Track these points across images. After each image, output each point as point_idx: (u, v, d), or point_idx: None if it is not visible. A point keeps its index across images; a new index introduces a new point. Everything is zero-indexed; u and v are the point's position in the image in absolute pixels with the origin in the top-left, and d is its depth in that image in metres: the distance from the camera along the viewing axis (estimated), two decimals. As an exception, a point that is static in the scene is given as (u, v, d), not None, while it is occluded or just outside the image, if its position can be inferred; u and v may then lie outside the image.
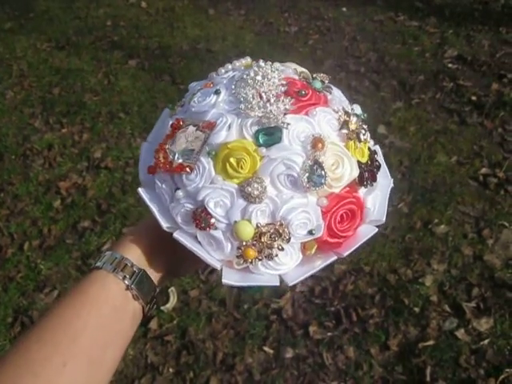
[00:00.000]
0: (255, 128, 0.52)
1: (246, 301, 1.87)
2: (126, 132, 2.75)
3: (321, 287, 1.88)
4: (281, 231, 0.53)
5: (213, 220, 0.53)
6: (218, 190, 0.52)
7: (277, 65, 0.58)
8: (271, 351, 1.73)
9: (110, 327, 0.54)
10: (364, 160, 0.58)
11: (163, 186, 0.56)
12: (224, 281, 0.53)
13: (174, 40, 3.56)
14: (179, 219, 0.55)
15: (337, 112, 0.57)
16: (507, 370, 1.60)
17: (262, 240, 0.53)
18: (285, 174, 0.52)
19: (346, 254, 0.56)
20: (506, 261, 1.90)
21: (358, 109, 0.62)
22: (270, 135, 0.52)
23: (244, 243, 0.53)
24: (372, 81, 2.92)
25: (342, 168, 0.54)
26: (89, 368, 0.51)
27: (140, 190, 0.57)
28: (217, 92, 0.55)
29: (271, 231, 0.53)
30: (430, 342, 1.69)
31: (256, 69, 0.56)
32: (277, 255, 0.54)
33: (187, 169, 0.52)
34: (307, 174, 0.51)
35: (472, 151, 2.38)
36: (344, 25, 3.50)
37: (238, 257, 0.54)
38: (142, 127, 2.76)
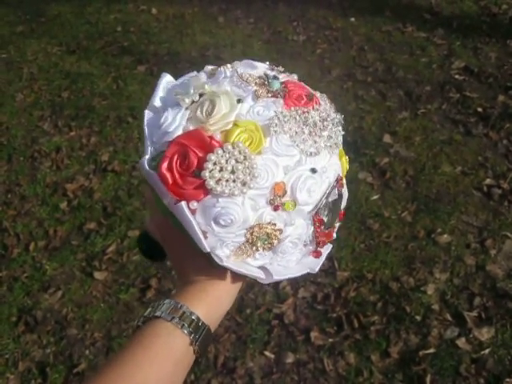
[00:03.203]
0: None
1: (248, 305, 1.88)
2: (133, 136, 2.78)
3: (323, 293, 1.89)
4: None
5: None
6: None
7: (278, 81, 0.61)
8: (272, 356, 1.74)
9: (169, 380, 0.54)
10: None
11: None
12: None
13: (183, 47, 3.59)
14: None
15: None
16: (507, 379, 1.60)
17: None
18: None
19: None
20: (509, 271, 1.91)
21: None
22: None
23: None
24: (379, 90, 2.93)
25: None
26: None
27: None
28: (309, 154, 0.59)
29: None
30: (431, 350, 1.69)
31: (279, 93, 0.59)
32: None
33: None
34: None
35: (477, 162, 2.39)
36: (352, 35, 3.52)
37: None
38: (150, 132, 2.78)
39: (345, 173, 0.63)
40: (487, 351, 1.68)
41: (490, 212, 2.14)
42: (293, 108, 0.57)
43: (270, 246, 0.58)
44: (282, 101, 0.57)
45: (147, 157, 0.59)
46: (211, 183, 0.53)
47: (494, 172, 2.32)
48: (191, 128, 0.56)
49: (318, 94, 0.64)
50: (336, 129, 0.60)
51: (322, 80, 3.01)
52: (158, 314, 0.56)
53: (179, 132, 0.56)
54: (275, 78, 0.60)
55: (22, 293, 2.03)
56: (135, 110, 2.98)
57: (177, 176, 0.55)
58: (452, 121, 2.66)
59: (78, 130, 2.87)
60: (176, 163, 0.55)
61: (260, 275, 0.59)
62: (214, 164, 0.53)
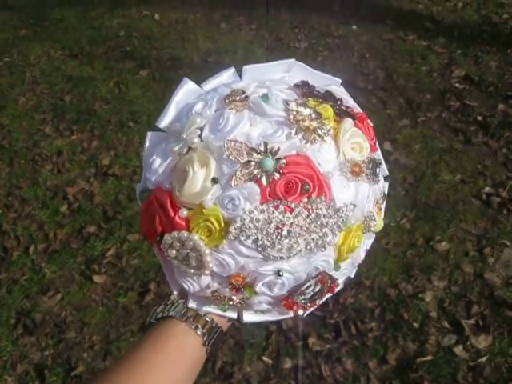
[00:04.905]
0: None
1: (246, 310, 1.88)
2: (134, 141, 2.79)
3: (321, 299, 1.89)
4: None
5: None
6: None
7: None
8: (270, 361, 1.74)
9: (181, 378, 0.55)
10: None
11: None
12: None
13: (186, 52, 3.61)
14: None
15: None
16: (504, 387, 1.61)
17: None
18: None
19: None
20: (507, 279, 1.91)
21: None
22: None
23: None
24: (379, 98, 2.94)
25: None
26: None
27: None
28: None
29: None
30: (428, 358, 1.69)
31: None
32: None
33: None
34: None
35: (476, 170, 2.40)
36: (353, 42, 3.54)
37: None
38: (151, 136, 2.79)
39: (348, 254, 0.57)
40: (484, 359, 1.68)
41: (488, 220, 2.14)
42: (270, 206, 0.50)
43: (234, 307, 0.58)
44: (258, 195, 0.50)
45: (139, 185, 0.62)
46: (169, 257, 0.54)
47: (493, 180, 2.33)
48: (167, 186, 0.55)
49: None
50: (329, 229, 0.52)
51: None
52: (171, 313, 0.57)
53: (157, 183, 0.57)
54: (271, 153, 0.51)
55: (21, 295, 2.03)
56: (137, 114, 2.99)
57: (147, 227, 0.58)
58: (452, 129, 2.67)
59: (80, 134, 2.88)
60: (148, 216, 0.57)
61: (231, 315, 0.59)
62: (171, 245, 0.53)
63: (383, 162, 0.64)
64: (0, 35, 4.06)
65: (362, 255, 0.61)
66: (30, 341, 1.87)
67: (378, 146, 0.64)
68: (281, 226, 0.50)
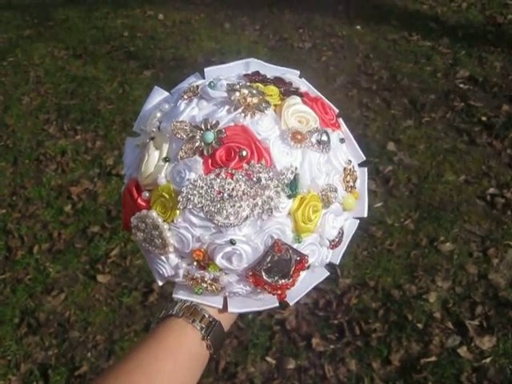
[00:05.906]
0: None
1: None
2: (138, 141, 2.79)
3: (325, 300, 1.89)
4: None
5: None
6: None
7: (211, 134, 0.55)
8: (273, 361, 1.74)
9: (184, 372, 0.57)
10: None
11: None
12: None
13: (190, 52, 3.61)
14: None
15: None
16: (508, 389, 1.60)
17: None
18: None
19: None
20: (511, 280, 1.90)
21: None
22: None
23: None
24: (383, 98, 2.94)
25: None
26: None
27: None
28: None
29: None
30: (432, 359, 1.69)
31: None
32: None
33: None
34: None
35: (480, 171, 2.39)
36: (357, 42, 3.54)
37: None
38: (155, 136, 2.79)
39: (307, 224, 0.56)
40: (488, 360, 1.68)
41: (492, 221, 2.14)
42: (212, 174, 0.53)
43: (211, 291, 0.59)
44: (201, 165, 0.54)
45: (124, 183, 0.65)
46: (139, 241, 0.59)
47: (497, 181, 2.32)
48: (134, 175, 0.60)
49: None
50: (273, 192, 0.54)
51: (327, 87, 3.02)
52: (170, 312, 0.59)
53: (129, 175, 0.62)
54: (211, 126, 0.55)
55: (25, 295, 2.03)
56: (140, 114, 2.99)
57: (124, 219, 0.62)
58: (456, 129, 2.67)
59: (84, 134, 2.88)
60: (124, 208, 0.62)
61: (217, 305, 0.61)
62: (137, 226, 0.57)
63: (355, 144, 0.66)
64: (4, 35, 4.08)
65: (333, 232, 0.60)
66: (33, 340, 1.88)
67: (344, 128, 0.66)
68: (222, 191, 0.53)
